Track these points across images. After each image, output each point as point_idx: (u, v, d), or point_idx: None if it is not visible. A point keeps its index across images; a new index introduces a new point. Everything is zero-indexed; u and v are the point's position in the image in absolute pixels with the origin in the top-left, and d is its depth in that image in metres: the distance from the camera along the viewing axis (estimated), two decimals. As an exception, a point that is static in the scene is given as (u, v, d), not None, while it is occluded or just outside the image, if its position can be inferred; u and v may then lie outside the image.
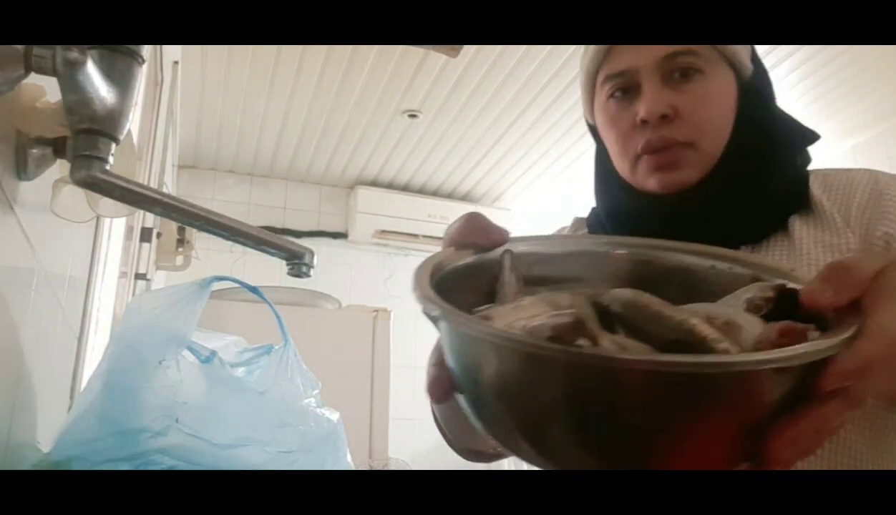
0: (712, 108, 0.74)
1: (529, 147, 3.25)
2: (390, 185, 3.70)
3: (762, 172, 0.75)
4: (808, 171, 0.80)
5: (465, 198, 3.82)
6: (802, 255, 0.72)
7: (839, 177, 0.78)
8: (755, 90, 0.78)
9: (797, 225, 0.74)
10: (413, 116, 3.00)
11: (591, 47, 0.79)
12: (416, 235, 3.64)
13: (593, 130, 0.84)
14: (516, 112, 2.96)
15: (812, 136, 0.82)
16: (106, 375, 0.58)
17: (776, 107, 0.82)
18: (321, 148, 3.32)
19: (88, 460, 0.55)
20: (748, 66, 0.77)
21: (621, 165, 0.78)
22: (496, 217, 3.77)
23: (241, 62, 2.61)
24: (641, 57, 0.74)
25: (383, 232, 3.60)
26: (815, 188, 0.77)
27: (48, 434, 0.65)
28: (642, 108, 0.73)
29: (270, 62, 2.60)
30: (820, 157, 3.06)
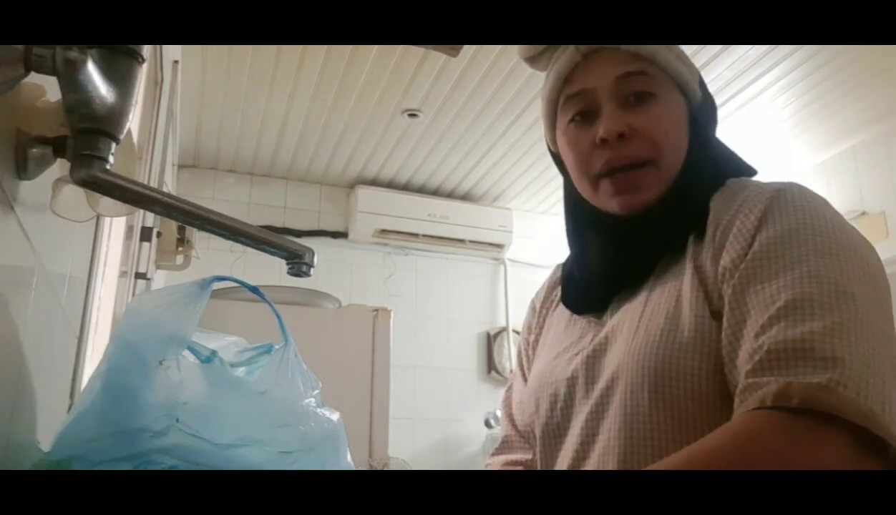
0: (668, 128, 0.78)
1: (529, 147, 3.25)
2: (390, 185, 3.70)
3: (699, 197, 0.78)
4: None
5: (465, 197, 3.82)
6: (662, 293, 0.75)
7: (739, 190, 0.76)
8: (703, 118, 0.82)
9: (689, 250, 0.75)
10: (413, 116, 3.00)
11: (551, 75, 0.83)
12: (416, 234, 3.64)
13: (556, 158, 0.88)
14: (516, 111, 2.96)
15: (749, 171, 0.84)
16: (106, 375, 0.58)
17: (717, 139, 0.85)
18: (321, 147, 3.32)
19: (88, 459, 0.55)
20: (697, 93, 0.81)
21: (582, 186, 0.82)
22: (496, 216, 3.75)
23: (241, 62, 2.61)
24: (598, 78, 0.78)
25: (383, 231, 3.60)
26: (718, 199, 0.77)
27: (48, 434, 0.65)
28: (601, 128, 0.76)
29: (270, 62, 2.60)
30: (820, 158, 3.07)
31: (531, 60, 0.87)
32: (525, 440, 0.91)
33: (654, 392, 0.69)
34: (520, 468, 0.91)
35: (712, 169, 0.80)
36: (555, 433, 0.81)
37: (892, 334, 0.64)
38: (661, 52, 0.78)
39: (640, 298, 0.76)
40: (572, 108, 0.81)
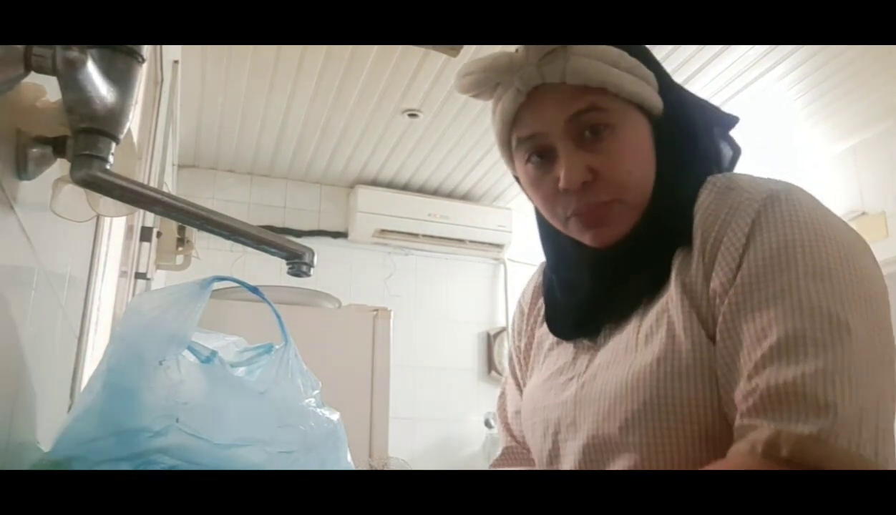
0: (630, 162, 0.73)
1: (529, 146, 3.25)
2: (390, 185, 3.70)
3: (678, 212, 0.73)
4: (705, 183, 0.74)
5: (465, 197, 3.82)
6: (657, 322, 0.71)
7: (726, 192, 0.72)
8: (670, 123, 0.76)
9: (675, 264, 0.72)
10: (413, 116, 3.00)
11: (497, 114, 0.78)
12: (416, 234, 3.64)
13: (518, 180, 0.84)
14: (516, 111, 2.95)
15: (731, 121, 0.81)
16: (106, 375, 0.58)
17: (692, 104, 0.79)
18: (321, 147, 3.32)
19: (88, 459, 0.55)
20: (658, 104, 0.76)
21: (552, 222, 0.80)
22: (496, 216, 3.74)
23: (241, 62, 2.61)
24: (547, 121, 0.73)
25: (383, 231, 3.60)
26: (703, 203, 0.72)
27: (48, 434, 0.65)
28: (562, 177, 0.73)
29: (270, 62, 2.60)
30: (820, 158, 3.07)
31: (474, 96, 0.81)
32: (525, 448, 0.90)
33: (654, 425, 0.67)
34: None
35: (690, 176, 0.75)
36: (549, 461, 0.79)
37: (892, 353, 0.62)
38: (611, 77, 0.72)
39: (633, 323, 0.73)
40: (526, 150, 0.77)
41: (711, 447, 0.65)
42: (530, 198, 0.82)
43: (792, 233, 0.64)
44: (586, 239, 0.77)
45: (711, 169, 0.78)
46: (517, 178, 0.84)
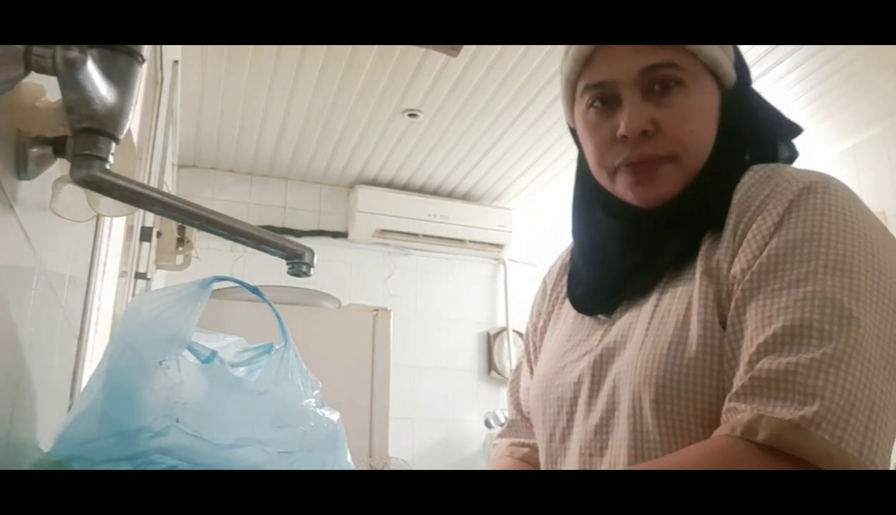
0: (694, 122, 0.73)
1: (529, 146, 3.25)
2: (390, 185, 3.70)
3: (722, 191, 0.72)
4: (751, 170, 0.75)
5: (465, 197, 3.82)
6: (673, 305, 0.70)
7: (767, 180, 0.71)
8: (738, 99, 0.77)
9: (702, 250, 0.71)
10: (413, 116, 3.00)
11: (571, 54, 0.78)
12: (416, 234, 3.64)
13: (574, 133, 0.84)
14: (516, 111, 2.95)
15: (795, 130, 0.81)
16: (106, 375, 0.58)
17: (759, 104, 0.80)
18: (321, 147, 3.32)
19: (88, 460, 0.55)
20: (731, 76, 0.76)
21: (599, 176, 0.79)
22: (496, 216, 3.74)
23: (241, 62, 2.61)
24: (621, 69, 0.73)
25: (383, 231, 3.60)
26: (743, 187, 0.71)
27: (48, 434, 0.65)
28: (622, 123, 0.72)
29: (270, 62, 2.60)
30: (819, 157, 3.08)
31: None
32: (529, 423, 0.91)
33: (660, 410, 0.66)
34: (525, 450, 0.92)
35: (740, 158, 0.75)
36: (561, 438, 0.79)
37: None
38: None
39: (651, 301, 0.73)
40: (592, 97, 0.76)
41: None
42: (579, 144, 0.82)
43: (820, 225, 0.64)
44: (631, 195, 0.75)
45: (764, 146, 0.77)
46: (572, 130, 0.84)
